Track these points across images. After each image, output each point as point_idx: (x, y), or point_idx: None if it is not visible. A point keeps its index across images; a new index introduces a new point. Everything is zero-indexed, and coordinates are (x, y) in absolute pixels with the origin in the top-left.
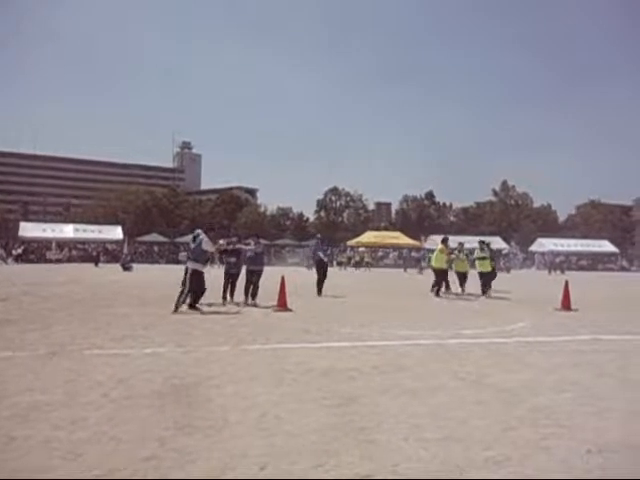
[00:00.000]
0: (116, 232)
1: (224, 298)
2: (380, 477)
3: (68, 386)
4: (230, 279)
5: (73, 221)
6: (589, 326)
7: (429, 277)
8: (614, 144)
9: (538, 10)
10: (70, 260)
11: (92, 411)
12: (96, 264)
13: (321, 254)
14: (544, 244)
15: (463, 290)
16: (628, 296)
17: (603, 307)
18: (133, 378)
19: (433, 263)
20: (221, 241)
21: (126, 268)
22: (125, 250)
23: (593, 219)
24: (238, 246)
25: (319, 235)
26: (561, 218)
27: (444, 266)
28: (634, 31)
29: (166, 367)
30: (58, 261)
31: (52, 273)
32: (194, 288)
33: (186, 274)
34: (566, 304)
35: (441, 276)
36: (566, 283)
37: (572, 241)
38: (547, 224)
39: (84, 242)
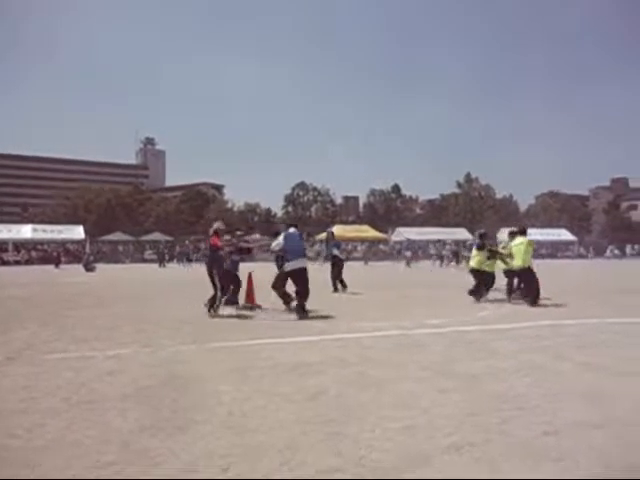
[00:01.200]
0: (77, 232)
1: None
2: (346, 470)
3: (26, 392)
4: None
5: (32, 221)
6: (549, 312)
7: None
8: (573, 136)
9: (504, 4)
10: (29, 262)
11: (51, 417)
12: (57, 265)
13: (336, 250)
14: (506, 233)
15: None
16: (586, 283)
17: (563, 294)
18: (95, 381)
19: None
20: (227, 237)
21: (89, 269)
22: (87, 250)
23: (552, 209)
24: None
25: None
26: (522, 208)
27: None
28: (594, 24)
29: (130, 369)
30: (16, 263)
31: (10, 276)
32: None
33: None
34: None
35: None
36: None
37: (533, 230)
38: (509, 214)
39: (44, 243)
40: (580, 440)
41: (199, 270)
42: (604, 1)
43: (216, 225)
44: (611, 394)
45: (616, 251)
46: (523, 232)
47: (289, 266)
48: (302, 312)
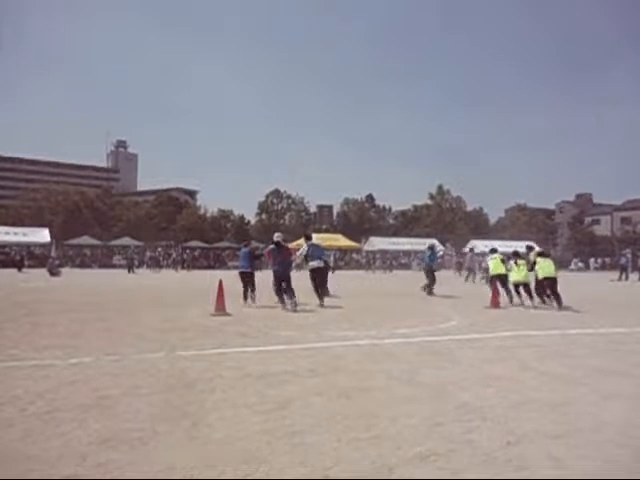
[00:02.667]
0: (43, 235)
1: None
2: None
3: None
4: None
5: None
6: (514, 323)
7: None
8: (540, 152)
9: (474, 17)
10: None
11: (6, 428)
12: (19, 269)
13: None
14: (476, 245)
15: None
16: None
17: (527, 305)
18: (55, 391)
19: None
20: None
21: (54, 273)
22: (53, 254)
23: (520, 222)
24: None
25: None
26: (492, 221)
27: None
28: (558, 33)
29: (92, 377)
30: None
31: None
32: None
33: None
34: (495, 303)
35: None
36: (495, 283)
37: (501, 242)
38: (479, 226)
39: (6, 246)
40: (540, 449)
41: (169, 276)
42: (565, 8)
43: (281, 235)
44: (571, 403)
45: (580, 264)
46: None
47: (310, 265)
48: (322, 300)
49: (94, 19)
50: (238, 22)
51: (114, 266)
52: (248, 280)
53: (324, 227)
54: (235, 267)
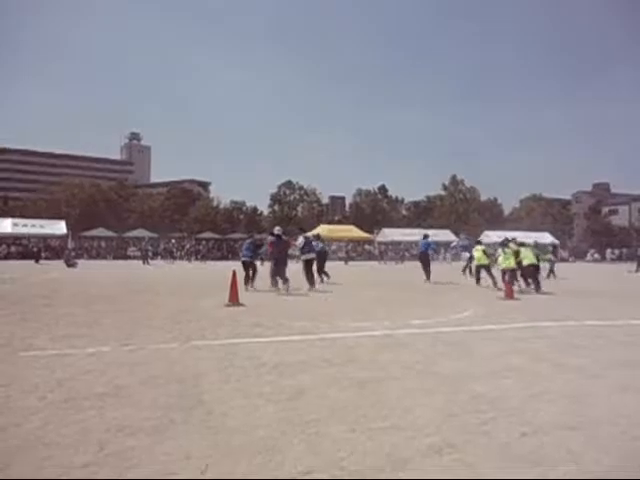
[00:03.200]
0: (59, 227)
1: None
2: (325, 472)
3: (1, 390)
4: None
5: (12, 215)
6: (529, 314)
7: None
8: (557, 141)
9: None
10: (8, 257)
11: (26, 416)
12: (37, 261)
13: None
14: (490, 236)
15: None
16: (567, 286)
17: (543, 296)
18: (73, 379)
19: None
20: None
21: (70, 265)
22: (69, 245)
23: (535, 212)
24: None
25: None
26: (506, 211)
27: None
28: (579, 26)
29: (109, 367)
30: None
31: None
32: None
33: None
34: (509, 293)
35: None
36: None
37: (516, 233)
38: (493, 217)
39: (24, 237)
40: (557, 441)
41: (183, 267)
42: (593, 4)
43: (281, 229)
44: (588, 395)
45: (596, 255)
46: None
47: (304, 257)
48: (312, 285)
49: (110, 14)
50: (253, 15)
51: (129, 257)
52: (250, 268)
53: (336, 218)
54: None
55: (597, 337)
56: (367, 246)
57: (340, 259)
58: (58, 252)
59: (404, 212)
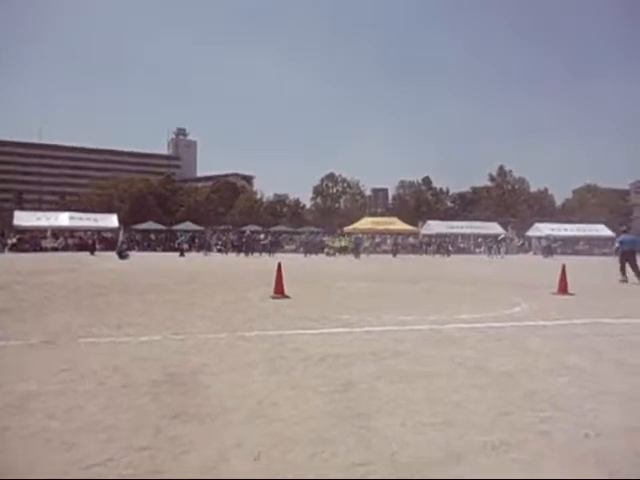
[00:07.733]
0: (112, 220)
1: None
2: (377, 465)
3: (63, 375)
4: None
5: (69, 209)
6: (586, 310)
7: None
8: (611, 129)
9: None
10: (66, 249)
11: (87, 400)
12: (92, 252)
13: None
14: (541, 229)
15: None
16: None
17: (600, 291)
18: (129, 366)
19: None
20: None
21: (122, 256)
22: (121, 238)
23: (589, 203)
24: None
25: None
26: (558, 202)
27: None
28: (626, 28)
29: (162, 355)
30: (54, 250)
31: (47, 262)
32: None
33: None
34: (563, 288)
35: None
36: (563, 267)
37: (569, 226)
38: (544, 209)
39: (80, 230)
40: (621, 444)
41: (229, 260)
42: None
43: None
44: None
45: None
46: None
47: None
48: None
49: (156, 15)
50: (296, 7)
51: (176, 249)
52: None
53: (379, 210)
54: (292, 251)
55: None
56: (411, 239)
57: (385, 252)
58: (111, 244)
59: (449, 204)
